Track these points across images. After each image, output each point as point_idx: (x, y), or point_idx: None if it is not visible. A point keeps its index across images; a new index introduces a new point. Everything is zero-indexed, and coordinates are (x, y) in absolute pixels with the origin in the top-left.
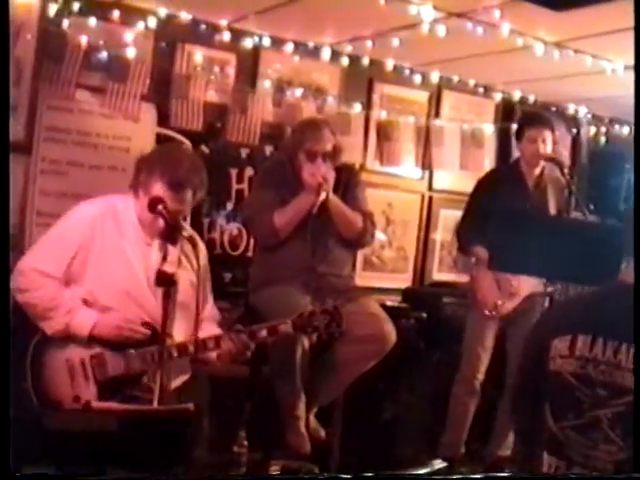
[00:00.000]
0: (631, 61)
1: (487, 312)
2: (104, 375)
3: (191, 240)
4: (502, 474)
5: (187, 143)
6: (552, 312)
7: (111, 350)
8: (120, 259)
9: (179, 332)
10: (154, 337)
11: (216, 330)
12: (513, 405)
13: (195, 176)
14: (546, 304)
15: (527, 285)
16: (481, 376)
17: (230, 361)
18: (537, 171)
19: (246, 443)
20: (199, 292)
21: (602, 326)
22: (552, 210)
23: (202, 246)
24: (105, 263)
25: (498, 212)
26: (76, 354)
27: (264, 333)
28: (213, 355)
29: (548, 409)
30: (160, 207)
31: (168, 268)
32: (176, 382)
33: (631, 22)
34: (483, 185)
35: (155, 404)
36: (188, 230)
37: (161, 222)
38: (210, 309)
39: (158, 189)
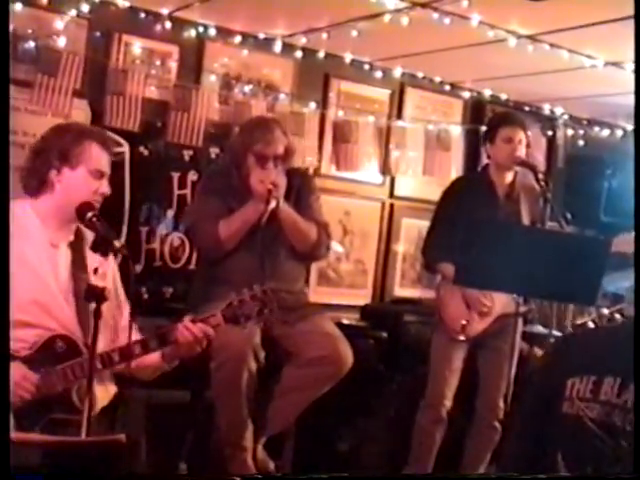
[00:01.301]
0: (612, 57)
1: (454, 334)
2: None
3: (122, 250)
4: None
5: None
6: (570, 346)
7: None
8: (24, 267)
9: (101, 345)
10: (73, 350)
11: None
12: (514, 449)
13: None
14: (519, 325)
15: (499, 304)
16: (448, 403)
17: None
18: (509, 178)
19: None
20: (120, 301)
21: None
22: (525, 220)
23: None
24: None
25: (466, 224)
26: None
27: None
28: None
29: (561, 458)
30: (90, 215)
31: (99, 282)
32: (104, 401)
33: (613, 14)
34: (449, 196)
35: (83, 432)
36: (121, 240)
37: (82, 229)
38: (128, 317)
39: (97, 152)
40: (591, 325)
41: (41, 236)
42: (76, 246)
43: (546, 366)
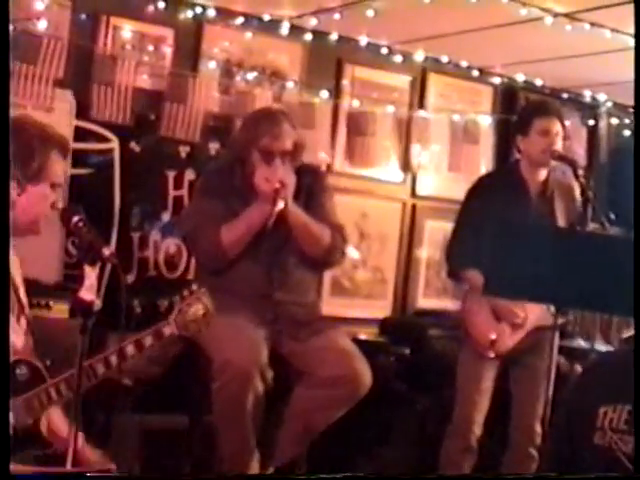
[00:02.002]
0: None
1: (483, 351)
2: None
3: (111, 259)
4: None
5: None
6: (603, 370)
7: None
8: None
9: None
10: (36, 377)
11: None
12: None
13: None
14: (556, 339)
15: (533, 316)
16: (478, 429)
17: None
18: (542, 174)
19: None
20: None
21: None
22: (561, 222)
23: None
24: None
25: (495, 226)
26: None
27: (149, 341)
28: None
29: None
30: (76, 219)
31: (86, 295)
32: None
33: None
34: (474, 195)
35: (68, 462)
36: (110, 248)
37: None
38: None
39: (60, 164)
40: None
41: None
42: None
43: (577, 391)
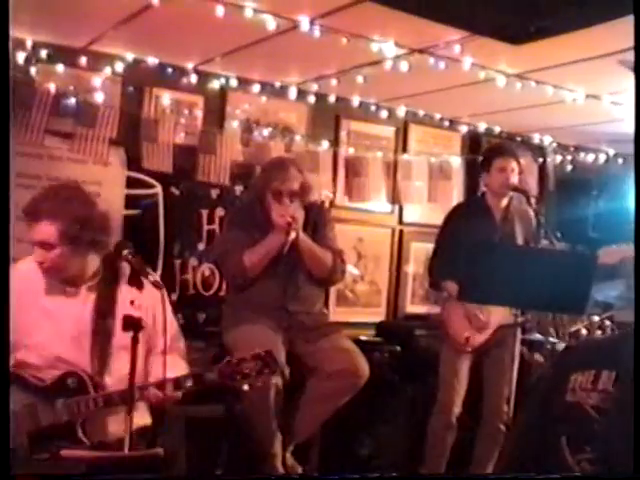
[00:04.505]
0: (591, 90)
1: (460, 347)
2: (36, 425)
3: (156, 284)
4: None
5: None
6: (575, 348)
7: (43, 400)
8: (45, 316)
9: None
10: (82, 388)
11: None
12: (527, 436)
13: (56, 206)
14: (518, 335)
15: (497, 317)
16: (457, 409)
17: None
18: (504, 202)
19: None
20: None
21: (627, 365)
22: (520, 240)
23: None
24: (32, 323)
25: (467, 245)
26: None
27: (189, 383)
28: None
29: (565, 441)
30: (126, 252)
31: (135, 312)
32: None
33: (589, 53)
34: (451, 220)
35: (126, 446)
36: (154, 275)
37: (126, 267)
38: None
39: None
40: (584, 332)
41: (58, 285)
42: (104, 285)
43: (555, 363)
